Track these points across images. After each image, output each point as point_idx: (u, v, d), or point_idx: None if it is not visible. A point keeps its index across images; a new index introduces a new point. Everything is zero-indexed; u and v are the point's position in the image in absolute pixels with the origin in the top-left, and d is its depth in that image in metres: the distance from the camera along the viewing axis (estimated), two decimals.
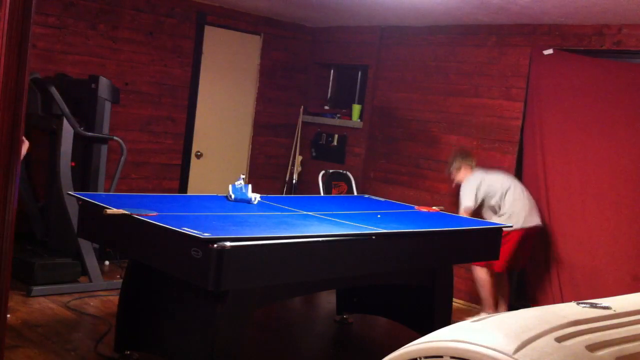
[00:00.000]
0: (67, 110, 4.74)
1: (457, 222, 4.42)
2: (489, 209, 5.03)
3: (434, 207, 4.87)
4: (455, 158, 5.23)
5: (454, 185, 5.26)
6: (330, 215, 3.94)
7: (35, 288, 4.58)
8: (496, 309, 5.08)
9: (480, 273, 4.98)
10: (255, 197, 4.17)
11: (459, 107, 5.86)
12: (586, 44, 5.10)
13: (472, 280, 5.57)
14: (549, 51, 5.23)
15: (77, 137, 4.88)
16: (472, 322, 1.47)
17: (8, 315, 2.57)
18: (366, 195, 5.48)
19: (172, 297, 3.38)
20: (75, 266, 4.86)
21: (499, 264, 4.87)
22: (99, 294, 4.77)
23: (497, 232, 4.34)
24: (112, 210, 3.19)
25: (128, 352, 3.57)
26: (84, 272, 4.86)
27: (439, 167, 5.98)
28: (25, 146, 3.75)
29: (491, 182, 4.99)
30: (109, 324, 4.10)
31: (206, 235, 2.80)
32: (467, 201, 4.95)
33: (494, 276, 5.01)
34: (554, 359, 1.25)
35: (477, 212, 5.04)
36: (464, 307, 5.54)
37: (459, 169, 5.18)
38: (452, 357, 1.29)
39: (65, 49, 5.40)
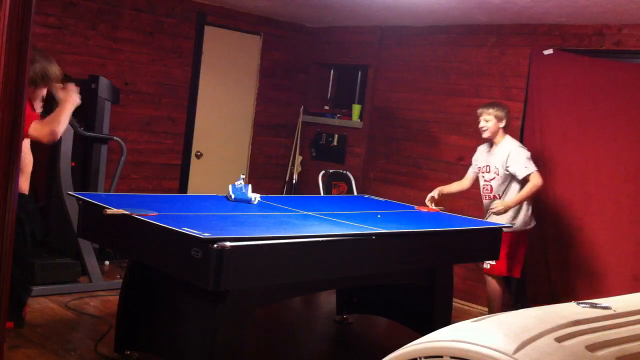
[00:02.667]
0: None
1: (457, 222, 4.42)
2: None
3: (434, 207, 4.85)
4: (499, 106, 4.71)
5: (486, 134, 4.71)
6: (330, 215, 3.94)
7: (35, 288, 4.58)
8: None
9: (495, 285, 4.71)
10: (255, 197, 4.17)
11: (459, 107, 5.86)
12: (586, 44, 5.10)
13: (472, 280, 5.58)
14: (549, 51, 5.23)
15: (77, 137, 4.88)
16: (472, 322, 1.47)
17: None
18: (366, 195, 5.48)
19: (172, 297, 3.38)
20: (75, 266, 4.86)
21: (519, 269, 4.74)
22: (99, 294, 4.77)
23: (497, 232, 4.33)
24: (112, 210, 3.19)
25: (128, 352, 3.57)
26: (84, 272, 4.86)
27: (439, 167, 5.98)
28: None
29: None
30: (109, 324, 4.10)
31: (206, 235, 2.80)
32: (532, 167, 4.56)
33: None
34: (554, 359, 1.25)
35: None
36: (464, 307, 5.54)
37: (500, 119, 4.68)
38: (452, 357, 1.29)
39: (65, 49, 5.40)
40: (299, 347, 4.48)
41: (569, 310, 1.54)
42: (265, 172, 6.94)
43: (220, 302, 3.02)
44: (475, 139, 5.73)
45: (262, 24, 6.66)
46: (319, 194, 5.99)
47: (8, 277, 1.26)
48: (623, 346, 1.37)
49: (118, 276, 5.05)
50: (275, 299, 3.84)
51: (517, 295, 5.51)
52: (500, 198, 4.66)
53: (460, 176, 5.83)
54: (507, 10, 4.97)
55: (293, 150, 7.06)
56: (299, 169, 7.01)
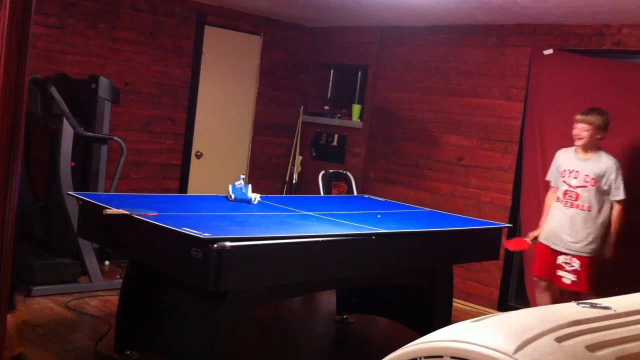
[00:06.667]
0: (67, 110, 4.74)
1: (457, 222, 4.42)
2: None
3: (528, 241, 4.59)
4: (601, 114, 4.33)
5: (581, 142, 4.36)
6: (330, 215, 3.94)
7: (35, 288, 4.58)
8: None
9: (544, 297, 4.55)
10: (255, 197, 4.17)
11: (459, 107, 5.86)
12: (586, 44, 5.10)
13: (472, 280, 5.58)
14: (549, 51, 5.23)
15: (77, 137, 4.88)
16: (472, 322, 1.47)
17: (8, 315, 2.58)
18: (366, 195, 5.48)
19: (172, 297, 3.38)
20: (75, 266, 4.86)
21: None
22: (99, 294, 4.77)
23: (497, 232, 4.33)
24: (112, 210, 3.19)
25: (128, 352, 3.57)
26: (84, 272, 4.86)
27: (439, 167, 5.98)
28: None
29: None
30: (109, 324, 4.10)
31: (206, 235, 2.80)
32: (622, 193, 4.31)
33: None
34: (554, 359, 1.25)
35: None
36: (464, 307, 5.54)
37: (599, 129, 4.31)
38: (452, 357, 1.29)
39: (65, 49, 5.40)
40: (299, 347, 4.48)
41: (569, 310, 1.54)
42: (265, 172, 6.94)
43: (220, 302, 3.02)
44: (476, 138, 5.73)
45: (262, 24, 6.66)
46: (319, 194, 5.99)
47: (8, 276, 1.26)
48: (623, 346, 1.37)
49: (118, 276, 5.05)
50: (275, 299, 3.85)
51: (517, 295, 5.50)
52: (590, 211, 4.33)
53: (459, 176, 5.84)
54: (507, 10, 4.97)
55: (293, 150, 7.06)
56: (299, 169, 7.01)
